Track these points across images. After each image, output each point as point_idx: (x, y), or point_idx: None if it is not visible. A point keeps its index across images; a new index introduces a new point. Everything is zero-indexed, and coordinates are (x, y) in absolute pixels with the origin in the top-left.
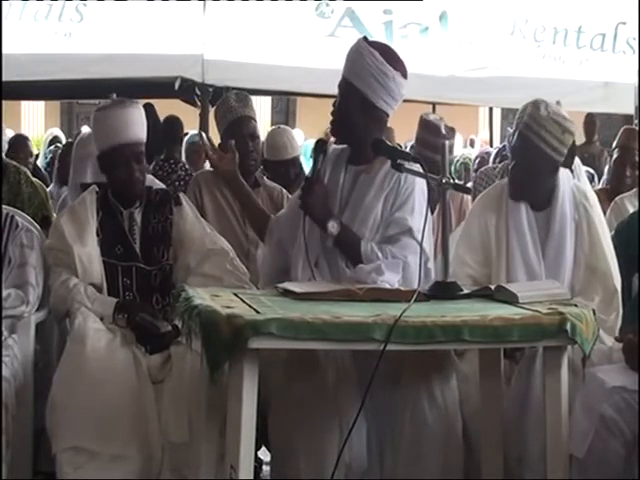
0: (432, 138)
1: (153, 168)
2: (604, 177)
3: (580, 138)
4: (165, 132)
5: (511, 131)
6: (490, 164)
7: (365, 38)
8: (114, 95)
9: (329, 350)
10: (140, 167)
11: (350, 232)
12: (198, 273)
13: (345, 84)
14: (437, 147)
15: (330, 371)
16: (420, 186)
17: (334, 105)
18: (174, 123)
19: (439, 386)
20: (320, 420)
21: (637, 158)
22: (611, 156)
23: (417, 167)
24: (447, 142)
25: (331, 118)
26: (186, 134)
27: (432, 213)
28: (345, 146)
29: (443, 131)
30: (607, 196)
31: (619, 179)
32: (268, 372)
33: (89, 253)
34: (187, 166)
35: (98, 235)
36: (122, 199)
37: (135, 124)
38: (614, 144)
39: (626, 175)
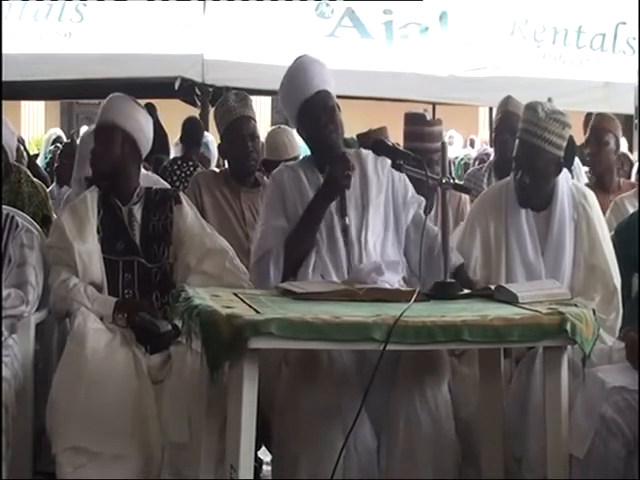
0: (418, 127)
1: (171, 167)
2: None
3: (580, 138)
4: (186, 132)
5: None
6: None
7: None
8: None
9: (332, 354)
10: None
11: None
12: (198, 272)
13: None
14: (423, 135)
15: (334, 376)
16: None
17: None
18: (196, 124)
19: (430, 388)
20: (324, 428)
21: (607, 138)
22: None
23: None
24: (442, 136)
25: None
26: None
27: (430, 212)
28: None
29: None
30: (600, 190)
31: (593, 159)
32: (274, 382)
33: (89, 250)
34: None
35: (99, 233)
36: (120, 196)
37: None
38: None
39: (596, 155)
